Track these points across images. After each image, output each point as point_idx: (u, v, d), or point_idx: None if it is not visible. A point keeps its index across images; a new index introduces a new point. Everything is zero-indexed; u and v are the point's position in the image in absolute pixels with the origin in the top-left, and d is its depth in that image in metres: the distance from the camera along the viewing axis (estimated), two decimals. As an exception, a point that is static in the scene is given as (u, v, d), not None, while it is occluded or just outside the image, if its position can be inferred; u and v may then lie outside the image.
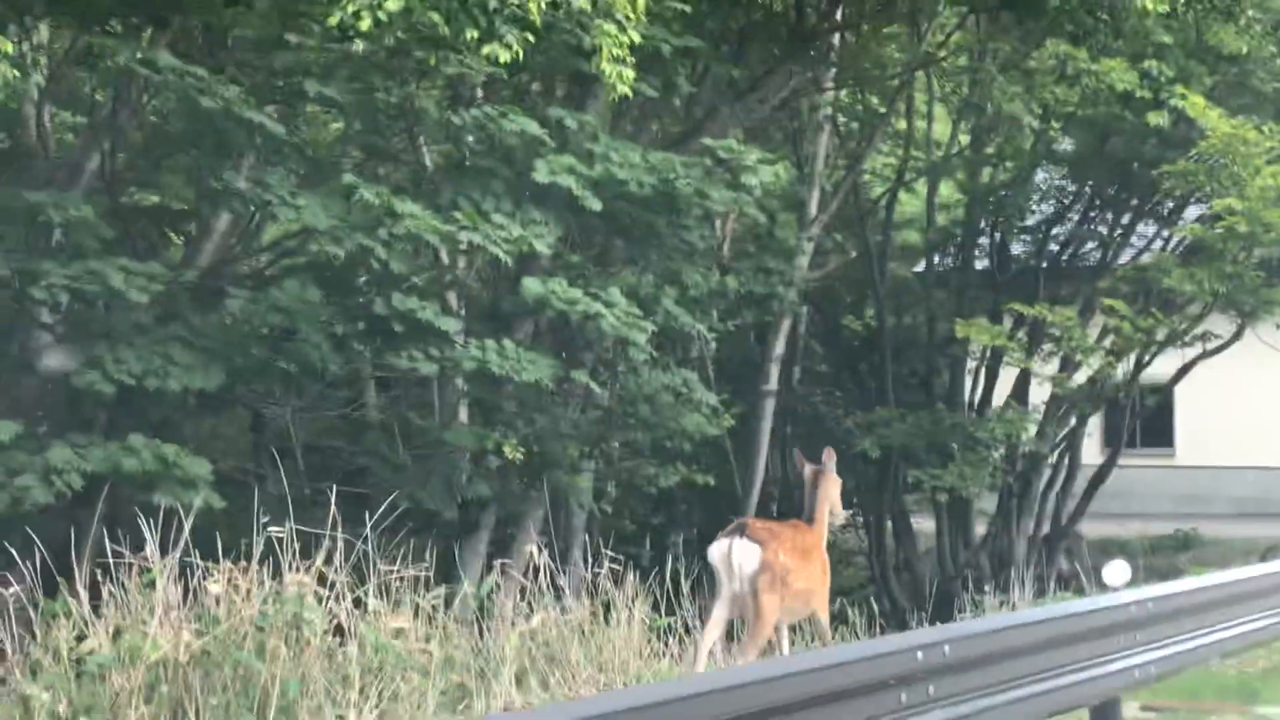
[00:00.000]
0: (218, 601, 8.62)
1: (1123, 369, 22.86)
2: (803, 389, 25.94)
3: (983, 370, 24.81)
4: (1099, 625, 8.09)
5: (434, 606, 10.17)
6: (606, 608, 11.07)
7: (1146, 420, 28.48)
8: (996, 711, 7.02)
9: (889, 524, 24.89)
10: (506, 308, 14.81)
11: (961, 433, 22.45)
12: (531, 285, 13.24)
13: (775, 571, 10.16)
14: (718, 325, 17.94)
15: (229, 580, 8.74)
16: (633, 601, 11.14)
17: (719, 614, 10.32)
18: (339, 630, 9.27)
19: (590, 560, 11.77)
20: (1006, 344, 22.34)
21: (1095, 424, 26.37)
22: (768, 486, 23.71)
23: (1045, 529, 24.93)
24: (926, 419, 22.63)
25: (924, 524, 24.79)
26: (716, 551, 10.36)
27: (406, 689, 9.01)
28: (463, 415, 15.71)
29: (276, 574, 9.10)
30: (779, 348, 21.64)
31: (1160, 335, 22.08)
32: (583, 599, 11.14)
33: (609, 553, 11.49)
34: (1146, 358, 22.98)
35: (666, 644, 11.79)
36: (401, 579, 9.93)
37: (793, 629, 11.45)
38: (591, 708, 5.24)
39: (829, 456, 11.56)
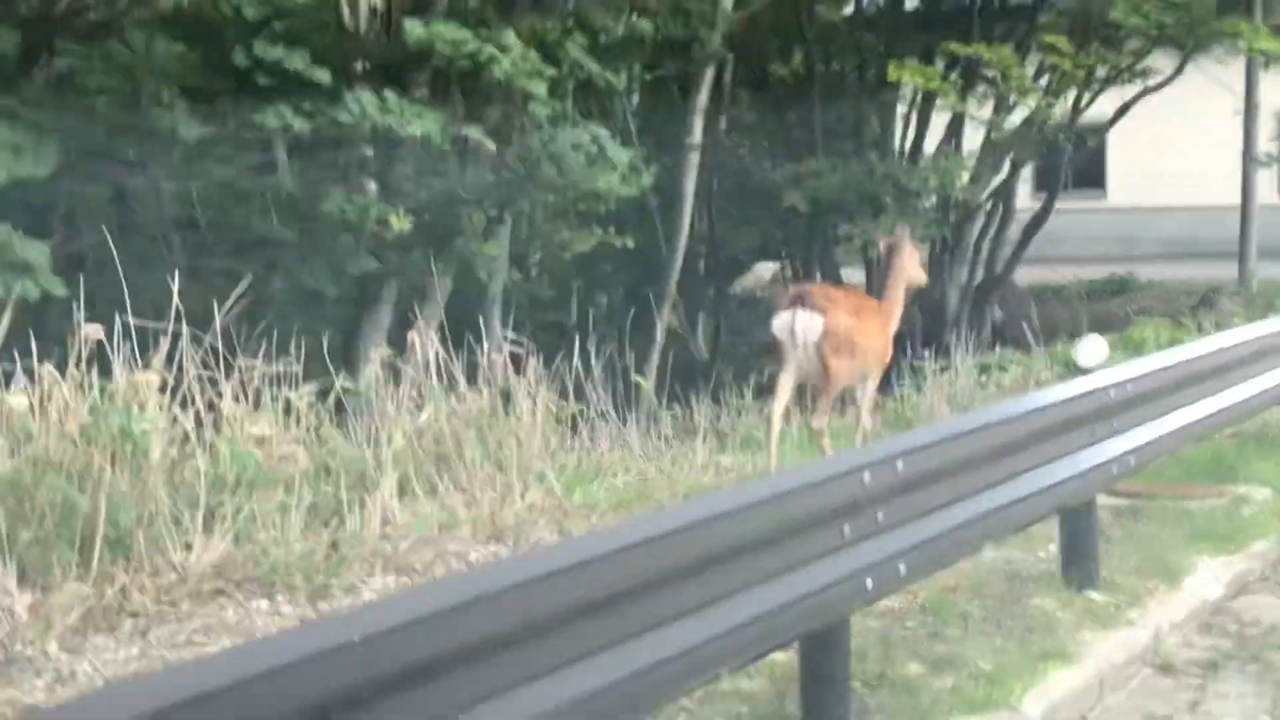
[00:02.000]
0: (31, 415, 7.20)
1: (1059, 110, 21.74)
2: (730, 142, 24.70)
3: (914, 116, 23.62)
4: (1072, 416, 6.88)
5: (309, 407, 8.82)
6: (506, 397, 9.74)
7: (1077, 164, 27.62)
8: (960, 532, 5.83)
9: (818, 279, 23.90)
10: (389, 55, 13.20)
11: (893, 182, 21.32)
12: (413, 28, 11.77)
13: (840, 336, 10.28)
14: (636, 76, 16.47)
15: (44, 390, 7.31)
16: (535, 387, 9.80)
17: (785, 382, 10.36)
18: (187, 441, 7.88)
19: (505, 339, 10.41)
20: (940, 85, 21.08)
21: (1027, 169, 25.43)
22: (695, 244, 22.61)
23: (979, 278, 24.09)
24: (857, 169, 21.48)
25: (855, 276, 23.69)
26: (779, 323, 10.38)
27: (267, 508, 7.66)
28: (372, 187, 14.22)
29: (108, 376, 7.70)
30: (702, 98, 20.22)
31: (1100, 73, 21.05)
32: (480, 388, 9.76)
33: (510, 334, 10.19)
34: (1086, 97, 21.89)
35: (577, 432, 10.54)
36: (265, 377, 8.55)
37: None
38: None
39: (902, 229, 12.10)
